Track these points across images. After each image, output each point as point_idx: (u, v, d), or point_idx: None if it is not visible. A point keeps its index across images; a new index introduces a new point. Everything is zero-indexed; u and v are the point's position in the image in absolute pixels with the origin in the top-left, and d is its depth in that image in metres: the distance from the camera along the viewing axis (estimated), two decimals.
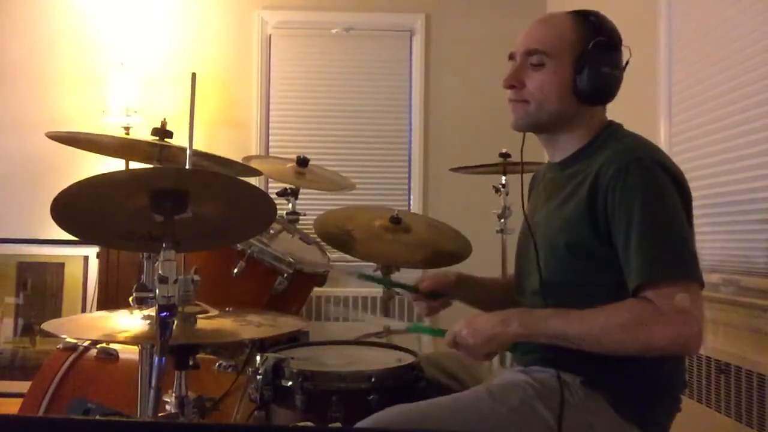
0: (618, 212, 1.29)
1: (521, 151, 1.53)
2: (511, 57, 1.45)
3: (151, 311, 1.26)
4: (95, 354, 2.11)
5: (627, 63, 1.44)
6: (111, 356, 2.09)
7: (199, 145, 1.84)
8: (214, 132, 3.83)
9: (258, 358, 1.56)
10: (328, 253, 2.50)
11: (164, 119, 1.91)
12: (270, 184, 3.66)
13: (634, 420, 1.32)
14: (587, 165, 1.39)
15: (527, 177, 1.58)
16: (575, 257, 1.35)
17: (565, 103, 1.40)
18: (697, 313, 1.22)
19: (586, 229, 1.33)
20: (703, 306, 1.26)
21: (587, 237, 1.33)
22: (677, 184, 1.31)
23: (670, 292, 1.21)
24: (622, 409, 1.32)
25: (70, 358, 2.08)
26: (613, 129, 1.45)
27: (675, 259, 1.26)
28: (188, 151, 1.64)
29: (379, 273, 2.39)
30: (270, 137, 3.96)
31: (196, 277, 1.37)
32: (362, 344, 1.88)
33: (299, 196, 2.66)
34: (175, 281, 1.20)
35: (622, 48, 1.42)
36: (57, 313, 3.63)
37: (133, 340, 1.58)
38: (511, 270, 1.66)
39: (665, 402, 1.37)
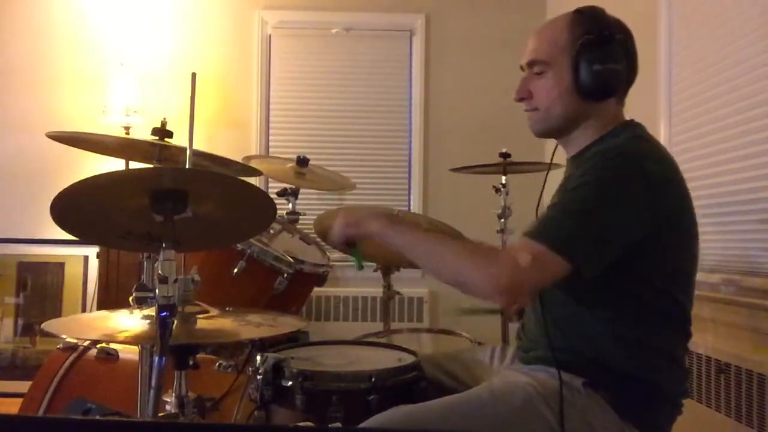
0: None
1: (552, 155, 1.53)
2: (522, 69, 1.48)
3: (151, 311, 1.26)
4: (95, 354, 2.11)
5: (629, 50, 1.42)
6: (111, 356, 2.09)
7: (199, 145, 1.84)
8: (214, 132, 3.83)
9: (258, 358, 1.56)
10: (328, 253, 2.50)
11: (164, 119, 1.91)
12: (270, 184, 3.66)
13: (635, 422, 1.32)
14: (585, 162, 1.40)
15: (552, 176, 1.56)
16: None
17: (571, 104, 1.40)
18: (529, 274, 1.23)
19: None
20: (546, 272, 1.24)
21: None
22: (652, 185, 1.28)
23: (526, 246, 1.24)
24: (623, 412, 1.32)
25: (70, 358, 2.08)
26: (623, 128, 1.42)
27: (566, 233, 1.25)
28: (188, 151, 1.63)
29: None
30: (270, 137, 3.96)
31: (196, 277, 1.37)
32: (362, 344, 1.89)
33: (299, 196, 2.67)
34: (175, 281, 1.20)
35: (620, 36, 1.40)
36: (57, 313, 3.63)
37: (133, 340, 1.57)
38: None
39: (665, 406, 1.37)
